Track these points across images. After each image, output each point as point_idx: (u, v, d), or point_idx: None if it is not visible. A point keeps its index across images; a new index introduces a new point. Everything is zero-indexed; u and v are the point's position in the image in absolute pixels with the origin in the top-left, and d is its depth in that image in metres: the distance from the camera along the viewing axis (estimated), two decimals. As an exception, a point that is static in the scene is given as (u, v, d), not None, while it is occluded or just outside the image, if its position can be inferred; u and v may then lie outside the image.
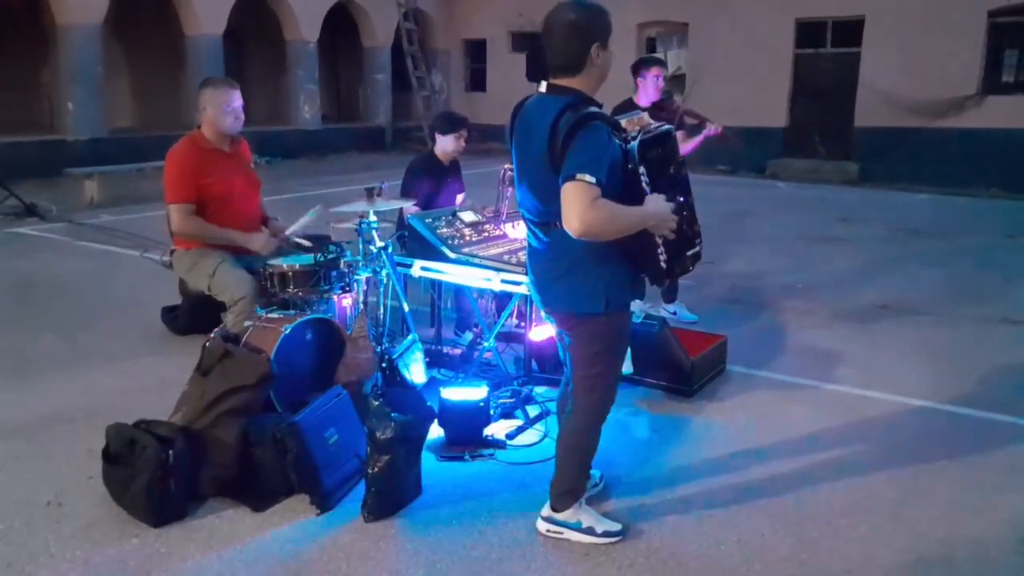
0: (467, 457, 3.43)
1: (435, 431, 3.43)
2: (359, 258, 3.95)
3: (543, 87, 2.59)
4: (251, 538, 2.83)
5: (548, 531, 2.86)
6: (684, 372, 4.12)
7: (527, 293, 3.41)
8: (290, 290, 3.84)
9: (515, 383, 4.03)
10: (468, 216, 4.41)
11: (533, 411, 3.84)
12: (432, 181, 4.81)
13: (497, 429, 3.62)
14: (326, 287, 3.88)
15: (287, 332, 3.50)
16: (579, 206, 2.34)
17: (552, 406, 3.77)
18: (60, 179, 10.82)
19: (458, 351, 4.44)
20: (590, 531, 2.82)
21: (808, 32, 14.59)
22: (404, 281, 4.23)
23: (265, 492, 3.04)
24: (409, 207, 4.50)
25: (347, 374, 3.62)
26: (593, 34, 2.50)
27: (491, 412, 3.64)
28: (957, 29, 12.84)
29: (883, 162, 13.45)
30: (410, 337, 4.01)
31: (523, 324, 4.25)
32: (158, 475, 2.84)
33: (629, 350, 3.40)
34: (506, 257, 3.93)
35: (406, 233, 4.27)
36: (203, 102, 4.10)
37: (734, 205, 10.55)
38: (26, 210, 9.22)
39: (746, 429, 3.79)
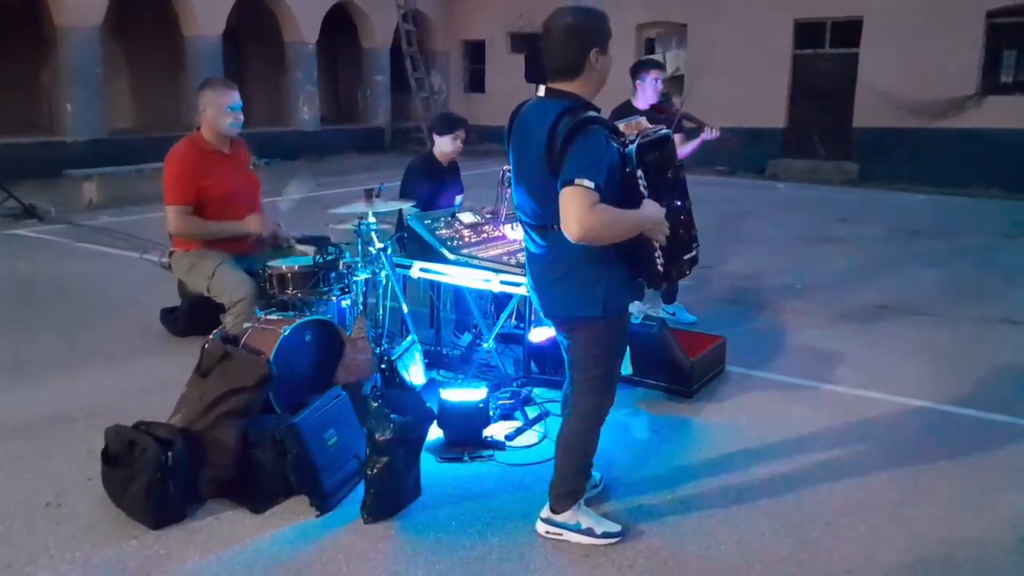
0: (466, 458, 3.43)
1: (434, 432, 3.43)
2: (358, 259, 3.95)
3: (541, 91, 2.59)
4: (250, 539, 2.83)
5: (547, 532, 2.86)
6: (683, 373, 4.12)
7: (526, 294, 3.41)
8: (289, 291, 3.84)
9: (514, 384, 4.03)
10: (467, 217, 4.41)
11: (532, 412, 3.83)
12: (431, 182, 4.81)
13: (496, 430, 3.62)
14: (325, 288, 3.88)
15: (286, 333, 3.50)
16: (578, 211, 2.34)
17: (551, 407, 3.77)
18: (59, 180, 10.82)
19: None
20: (589, 532, 2.82)
21: (807, 33, 14.59)
22: (403, 282, 4.23)
23: (264, 494, 3.04)
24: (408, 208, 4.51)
25: (346, 375, 3.62)
26: (592, 39, 2.51)
27: (490, 413, 3.64)
28: (956, 29, 12.84)
29: (883, 162, 13.46)
30: (409, 338, 4.01)
31: (522, 325, 4.25)
32: (157, 477, 2.84)
33: (628, 351, 3.40)
34: (505, 258, 3.93)
35: (405, 234, 4.27)
36: (202, 103, 4.10)
37: (733, 206, 10.55)
38: (25, 211, 9.22)
39: (746, 429, 3.78)
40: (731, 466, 3.42)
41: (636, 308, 4.26)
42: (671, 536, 2.89)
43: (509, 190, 4.48)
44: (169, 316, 5.07)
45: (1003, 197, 12.02)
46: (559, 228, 2.44)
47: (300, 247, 4.33)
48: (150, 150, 10.50)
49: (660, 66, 5.25)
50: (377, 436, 2.92)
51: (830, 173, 13.99)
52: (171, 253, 4.30)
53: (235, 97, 4.12)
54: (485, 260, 3.91)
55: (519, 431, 3.66)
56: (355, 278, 3.94)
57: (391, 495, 2.98)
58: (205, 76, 7.53)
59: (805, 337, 5.21)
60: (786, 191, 13.00)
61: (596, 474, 3.16)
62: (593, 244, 2.45)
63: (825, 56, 14.52)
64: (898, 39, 13.27)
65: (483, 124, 14.93)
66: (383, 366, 3.78)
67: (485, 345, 4.16)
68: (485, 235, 4.29)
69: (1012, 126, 12.49)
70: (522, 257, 3.49)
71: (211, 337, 3.39)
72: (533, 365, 4.20)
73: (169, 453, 2.88)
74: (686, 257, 2.70)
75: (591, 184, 2.34)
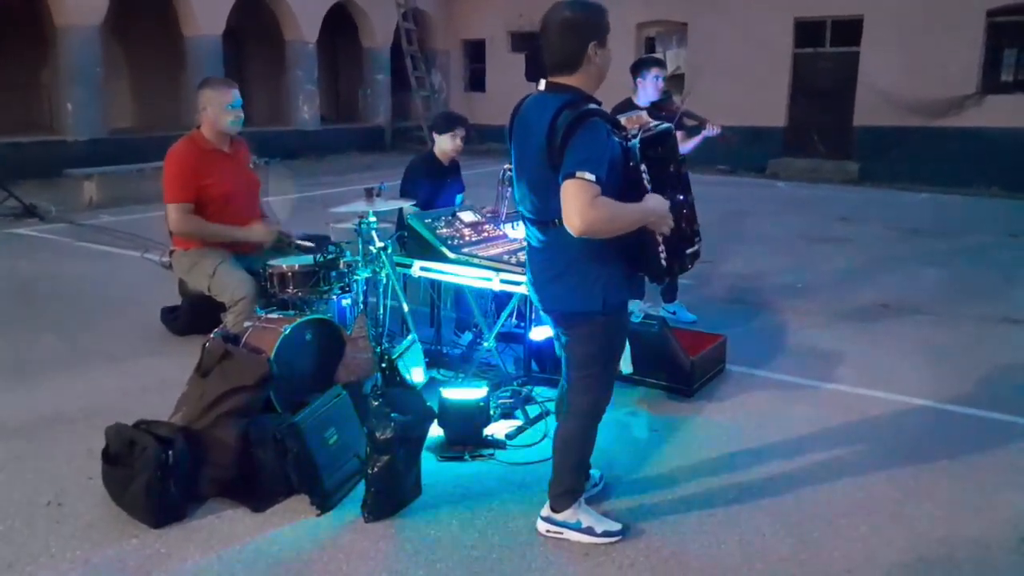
0: (467, 457, 3.43)
1: (435, 431, 3.42)
2: (358, 258, 3.95)
3: (542, 85, 2.59)
4: (251, 538, 2.83)
5: (548, 531, 2.86)
6: (684, 372, 4.12)
7: (526, 293, 3.41)
8: (290, 290, 3.84)
9: (515, 383, 4.03)
10: (467, 216, 4.41)
11: (533, 411, 3.83)
12: (432, 181, 4.80)
13: (497, 429, 3.62)
14: (326, 287, 3.88)
15: (287, 332, 3.50)
16: (580, 204, 2.34)
17: (552, 406, 3.77)
18: (60, 180, 10.81)
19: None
20: (590, 531, 2.82)
21: (807, 31, 14.59)
22: (404, 281, 4.23)
23: (265, 492, 3.04)
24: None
25: (347, 374, 3.62)
26: (590, 32, 2.50)
27: (491, 412, 3.64)
28: (956, 28, 12.84)
29: (883, 161, 13.46)
30: (410, 337, 4.01)
31: (523, 324, 4.25)
32: (158, 476, 2.84)
33: (629, 350, 3.40)
34: (505, 257, 3.93)
35: (405, 233, 4.27)
36: (202, 102, 4.10)
37: (734, 204, 10.55)
38: (25, 211, 9.22)
39: (746, 428, 3.78)
40: (732, 465, 3.42)
41: (636, 307, 4.25)
42: (672, 535, 2.89)
43: (510, 189, 4.48)
44: (170, 315, 5.07)
45: (1003, 196, 12.02)
46: (560, 224, 2.44)
47: (301, 243, 4.31)
48: (150, 149, 10.48)
49: (661, 64, 5.25)
50: (378, 435, 2.92)
51: (830, 172, 13.99)
52: (172, 252, 4.31)
53: (235, 95, 4.12)
54: (486, 259, 3.91)
55: (519, 430, 3.66)
56: (356, 277, 3.94)
57: (392, 494, 2.98)
58: (205, 75, 7.51)
59: (806, 336, 5.21)
60: (786, 190, 13.00)
61: (596, 473, 3.16)
62: (595, 237, 2.45)
63: (825, 55, 14.52)
64: (898, 38, 13.27)
65: (483, 123, 14.94)
66: (384, 365, 3.77)
67: (486, 344, 4.16)
68: (486, 234, 4.29)
69: (1012, 125, 12.48)
70: (522, 256, 3.50)
71: (212, 336, 3.39)
72: (534, 364, 4.20)
73: (170, 452, 2.88)
74: (688, 251, 2.70)
75: (592, 177, 2.34)
